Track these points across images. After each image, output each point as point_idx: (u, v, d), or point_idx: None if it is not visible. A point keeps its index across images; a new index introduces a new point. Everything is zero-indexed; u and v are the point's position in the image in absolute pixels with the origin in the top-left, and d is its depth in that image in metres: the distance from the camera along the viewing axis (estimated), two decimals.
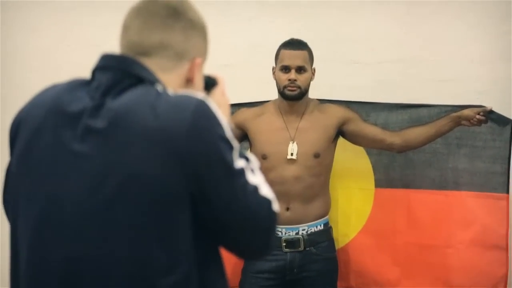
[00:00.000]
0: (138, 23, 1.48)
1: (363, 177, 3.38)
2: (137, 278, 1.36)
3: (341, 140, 3.25)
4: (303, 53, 3.14)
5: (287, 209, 3.11)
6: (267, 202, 1.43)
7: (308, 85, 3.17)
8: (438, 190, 3.32)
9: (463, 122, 3.15)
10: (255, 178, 1.44)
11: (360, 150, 3.36)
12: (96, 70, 1.47)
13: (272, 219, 1.44)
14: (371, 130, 3.22)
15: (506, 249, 3.23)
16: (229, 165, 1.38)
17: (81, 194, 1.37)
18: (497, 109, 3.19)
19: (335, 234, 3.26)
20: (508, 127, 3.23)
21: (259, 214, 1.41)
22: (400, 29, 3.56)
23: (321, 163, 3.16)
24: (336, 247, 3.26)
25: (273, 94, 3.25)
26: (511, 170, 3.24)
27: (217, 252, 1.47)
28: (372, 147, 3.31)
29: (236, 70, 3.49)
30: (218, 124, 1.39)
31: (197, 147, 1.36)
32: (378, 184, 3.37)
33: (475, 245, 3.25)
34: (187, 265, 1.38)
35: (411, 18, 3.56)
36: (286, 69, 3.14)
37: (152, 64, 1.47)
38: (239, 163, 1.41)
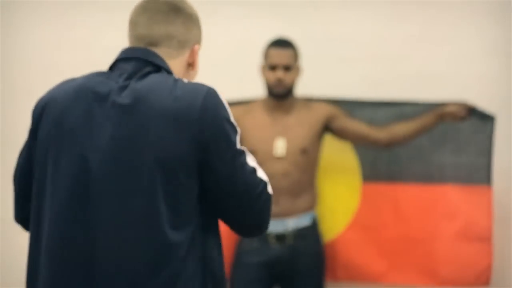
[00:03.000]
0: (145, 19, 1.72)
1: (350, 172, 3.42)
2: (150, 229, 1.56)
3: (327, 136, 3.31)
4: (289, 52, 3.21)
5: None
6: (263, 182, 1.65)
7: (295, 83, 3.25)
8: (424, 183, 3.38)
9: (447, 118, 3.23)
10: (253, 162, 1.66)
11: (347, 145, 3.41)
12: (119, 61, 1.69)
13: (267, 198, 1.65)
14: (357, 127, 3.28)
15: (490, 241, 3.28)
16: (232, 143, 1.62)
17: (106, 159, 1.59)
18: (481, 105, 3.25)
19: (322, 229, 3.32)
20: (490, 122, 3.30)
21: (255, 192, 1.63)
22: (385, 26, 3.60)
23: (308, 159, 3.22)
24: (324, 242, 3.32)
25: (259, 92, 3.32)
26: (493, 163, 3.31)
27: (217, 225, 1.67)
28: (359, 143, 3.36)
29: (223, 69, 3.52)
30: (224, 109, 1.63)
31: (207, 124, 1.59)
32: (365, 178, 3.42)
33: (460, 237, 3.30)
34: (192, 226, 1.59)
35: (396, 16, 3.60)
36: (273, 68, 3.20)
37: (160, 52, 1.70)
38: (241, 146, 1.64)
